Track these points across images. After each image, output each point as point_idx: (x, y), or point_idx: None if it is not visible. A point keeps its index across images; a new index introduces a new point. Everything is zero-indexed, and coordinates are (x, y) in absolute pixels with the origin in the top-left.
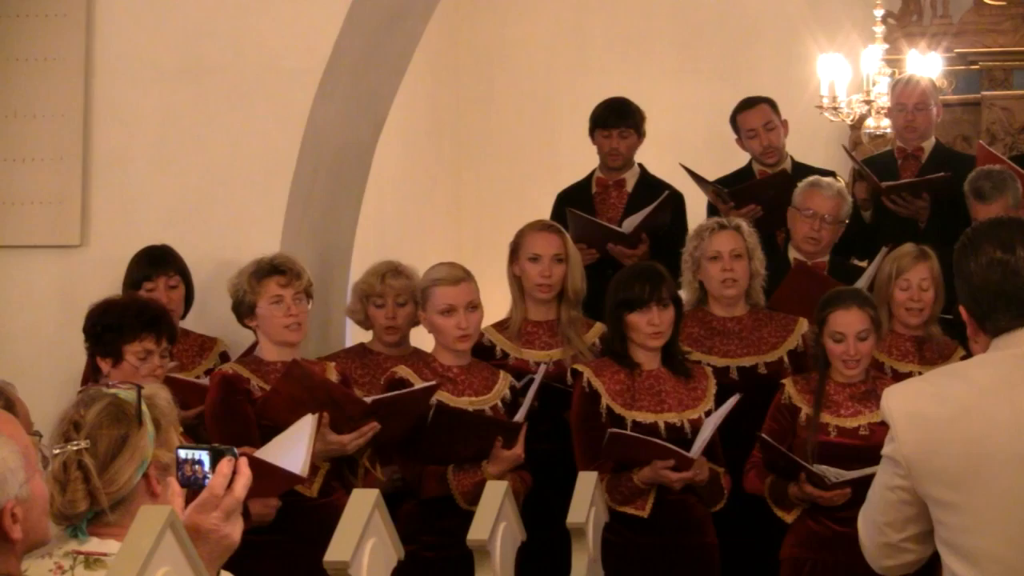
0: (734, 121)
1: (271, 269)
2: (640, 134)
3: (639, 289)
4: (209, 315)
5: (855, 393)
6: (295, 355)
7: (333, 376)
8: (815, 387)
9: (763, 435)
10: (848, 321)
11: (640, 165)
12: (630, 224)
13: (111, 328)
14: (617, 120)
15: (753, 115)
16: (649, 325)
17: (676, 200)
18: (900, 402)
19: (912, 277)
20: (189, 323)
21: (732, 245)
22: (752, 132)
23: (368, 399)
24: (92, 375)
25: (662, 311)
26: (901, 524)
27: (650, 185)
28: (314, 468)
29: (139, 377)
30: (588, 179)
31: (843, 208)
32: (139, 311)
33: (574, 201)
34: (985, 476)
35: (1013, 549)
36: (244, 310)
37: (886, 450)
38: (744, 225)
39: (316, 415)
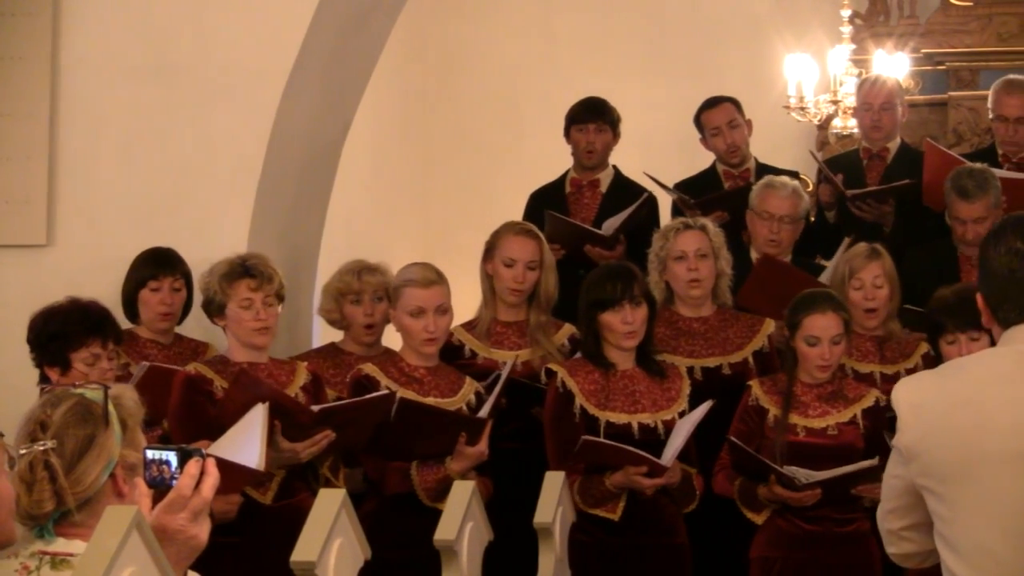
0: (698, 120)
1: (243, 271)
2: (616, 133)
3: (611, 288)
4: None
5: (823, 394)
6: (263, 357)
7: (303, 377)
8: (783, 388)
9: (732, 438)
10: (824, 325)
11: (614, 166)
12: (610, 226)
13: (55, 336)
14: (593, 116)
15: (717, 114)
16: (623, 324)
17: (651, 203)
18: (906, 392)
19: (865, 276)
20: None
21: (697, 245)
22: (716, 130)
23: (315, 408)
24: (43, 385)
25: (635, 309)
26: (902, 512)
27: (624, 186)
28: (268, 476)
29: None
30: (562, 179)
31: (800, 206)
32: (82, 316)
33: (548, 201)
34: (978, 469)
35: (1003, 542)
36: (214, 309)
37: (894, 440)
38: (710, 225)
39: (266, 404)
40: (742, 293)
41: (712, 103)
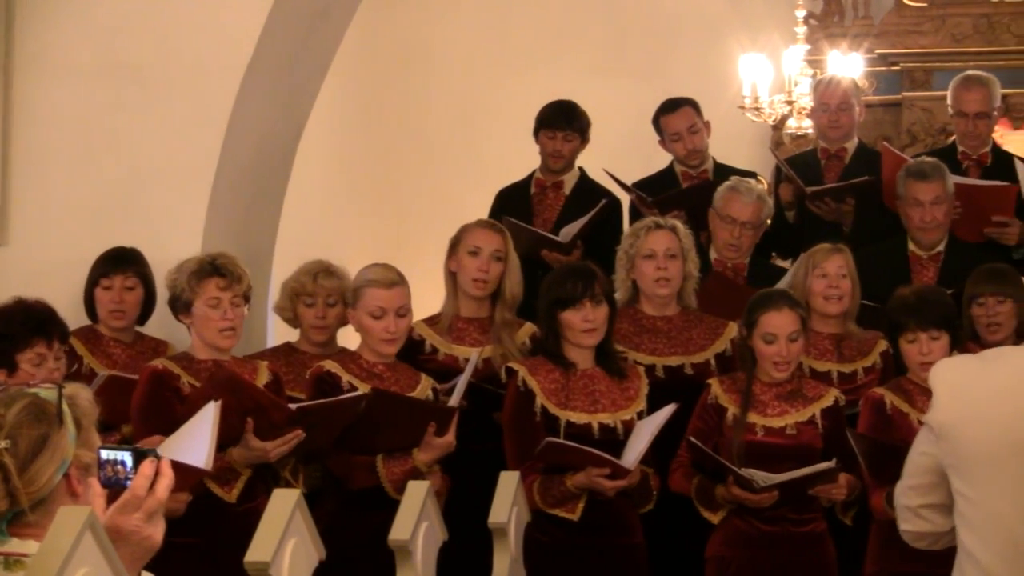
0: (657, 123)
1: (212, 270)
2: (584, 139)
3: (572, 287)
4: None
5: (781, 393)
6: (226, 356)
7: (264, 376)
8: (742, 387)
9: (691, 438)
10: (780, 323)
11: (580, 169)
12: (567, 233)
13: (1, 338)
14: (564, 123)
15: (676, 119)
16: (583, 322)
17: (614, 207)
18: (947, 371)
19: (829, 267)
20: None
21: (667, 245)
22: (676, 135)
23: (293, 407)
24: None
25: (595, 308)
26: (924, 490)
27: (588, 190)
28: (235, 474)
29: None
30: (528, 179)
31: (763, 212)
32: (25, 317)
33: (513, 200)
34: (1011, 457)
35: (1020, 527)
36: (180, 307)
37: (926, 416)
38: (680, 226)
39: (218, 402)
40: (700, 296)
41: (671, 107)
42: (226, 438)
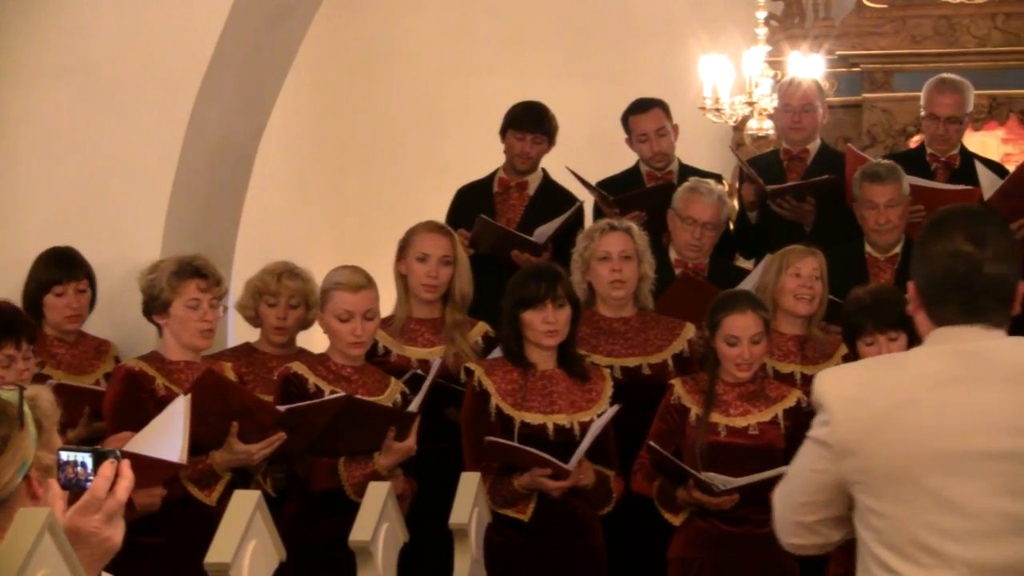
0: (626, 121)
1: (193, 271)
2: (551, 142)
3: (535, 287)
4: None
5: (744, 393)
6: (198, 357)
7: (231, 378)
8: (705, 387)
9: (650, 442)
10: (743, 324)
11: (544, 170)
12: (542, 234)
13: None
14: (533, 125)
15: (646, 120)
16: (544, 323)
17: (579, 210)
18: (836, 387)
19: (803, 268)
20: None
21: (622, 247)
22: (644, 136)
23: (282, 408)
24: None
25: (557, 310)
26: (818, 506)
27: (552, 191)
28: (216, 477)
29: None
30: (490, 178)
31: (723, 213)
32: None
33: (474, 198)
34: (922, 469)
35: (944, 542)
36: (156, 307)
37: (817, 433)
38: (635, 227)
39: (187, 396)
40: (660, 304)
41: (642, 107)
42: (210, 440)
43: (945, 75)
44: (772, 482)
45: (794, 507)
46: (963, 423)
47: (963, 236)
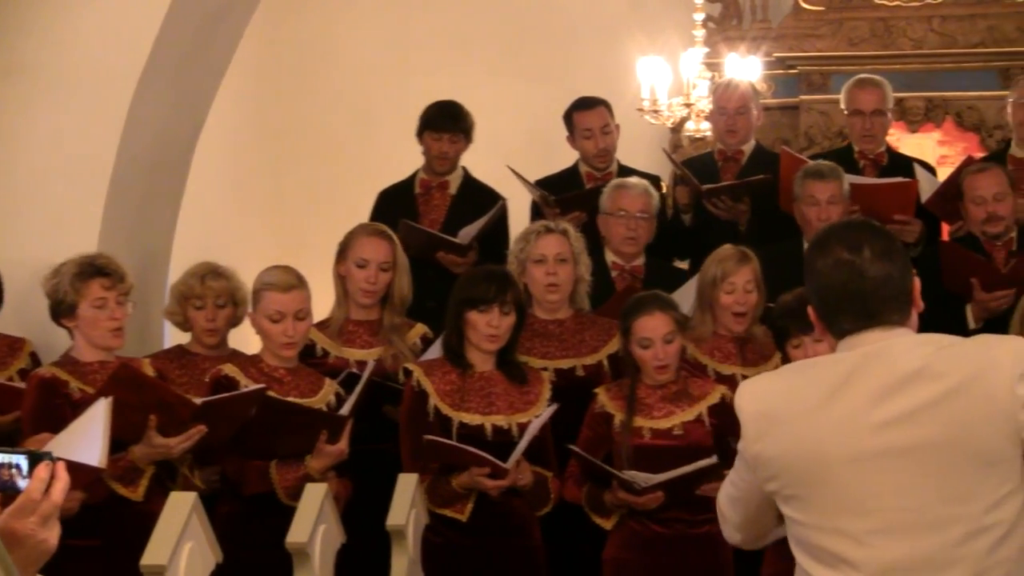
0: (569, 118)
1: (95, 271)
2: (468, 139)
3: (485, 289)
4: (28, 315)
5: (667, 394)
6: (112, 356)
7: (148, 373)
8: (627, 392)
9: (571, 446)
10: (653, 326)
11: (464, 168)
12: (467, 235)
13: None
14: (449, 125)
15: (591, 116)
16: (488, 326)
17: (502, 208)
18: (749, 401)
19: (737, 280)
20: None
21: (558, 249)
22: (588, 133)
23: (198, 401)
24: None
25: (503, 316)
26: (750, 513)
27: (474, 189)
28: (139, 472)
29: None
30: (411, 179)
31: (652, 203)
32: None
33: (396, 201)
34: (819, 475)
35: (853, 547)
36: (63, 311)
37: (738, 445)
38: (571, 230)
39: (109, 399)
40: (603, 311)
41: (586, 104)
42: (128, 436)
43: (862, 75)
44: (698, 480)
45: (725, 502)
46: (857, 424)
47: (841, 246)
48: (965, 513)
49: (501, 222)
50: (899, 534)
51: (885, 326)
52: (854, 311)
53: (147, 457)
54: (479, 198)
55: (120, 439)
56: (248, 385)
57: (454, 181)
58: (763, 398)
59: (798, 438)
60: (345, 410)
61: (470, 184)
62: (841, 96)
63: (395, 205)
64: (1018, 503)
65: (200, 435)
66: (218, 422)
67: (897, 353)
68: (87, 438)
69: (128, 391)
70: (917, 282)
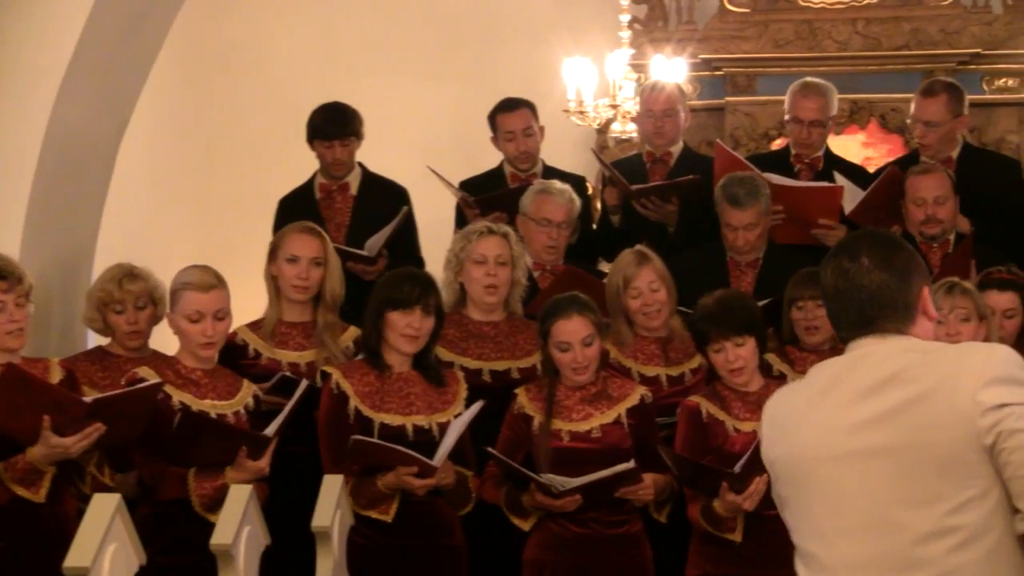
0: (493, 120)
1: None
2: (360, 137)
3: (408, 290)
4: None
5: (585, 396)
6: (16, 357)
7: (57, 374)
8: (547, 394)
9: (488, 448)
10: (571, 329)
11: (360, 165)
12: (373, 245)
13: None
14: (339, 131)
15: (513, 118)
16: (408, 327)
17: (407, 214)
18: (767, 408)
19: (640, 284)
20: None
21: (499, 251)
22: (510, 135)
23: (88, 399)
24: None
25: (424, 317)
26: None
27: (375, 184)
28: (40, 474)
29: None
30: (310, 184)
31: (575, 210)
32: None
33: (297, 207)
34: (808, 475)
35: (824, 547)
36: None
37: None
38: (512, 233)
39: None
40: (539, 301)
41: (510, 106)
42: (24, 437)
43: (809, 79)
44: (616, 484)
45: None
46: (836, 425)
47: (843, 256)
48: (927, 516)
49: (408, 222)
50: (861, 534)
51: (880, 334)
52: (850, 318)
53: (45, 458)
54: (381, 194)
55: (17, 441)
56: (164, 388)
57: (353, 181)
58: (775, 402)
59: (792, 440)
60: (270, 430)
61: (370, 181)
62: (785, 97)
63: (297, 212)
64: (985, 508)
65: (98, 433)
66: (115, 420)
67: (880, 357)
68: None
69: (18, 392)
70: (926, 291)
